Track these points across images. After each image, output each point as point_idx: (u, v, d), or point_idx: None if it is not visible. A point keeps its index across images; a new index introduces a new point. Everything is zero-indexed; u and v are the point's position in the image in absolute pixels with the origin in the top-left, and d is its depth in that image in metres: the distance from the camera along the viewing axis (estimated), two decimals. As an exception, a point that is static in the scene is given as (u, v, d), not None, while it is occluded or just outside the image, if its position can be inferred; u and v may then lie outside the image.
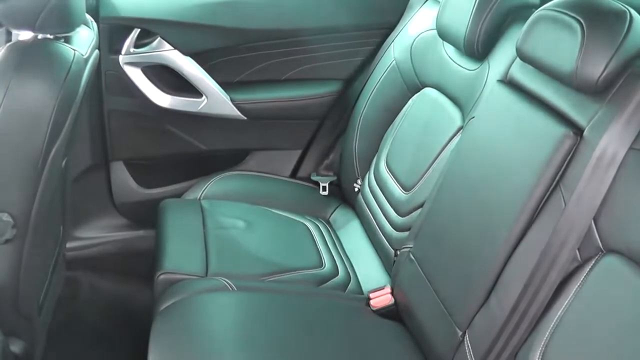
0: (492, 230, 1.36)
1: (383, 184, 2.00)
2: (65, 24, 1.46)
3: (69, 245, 2.18)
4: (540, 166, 1.27)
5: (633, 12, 1.26)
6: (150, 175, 2.38)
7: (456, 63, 1.84)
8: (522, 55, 1.45)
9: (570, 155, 1.24)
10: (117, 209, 2.37)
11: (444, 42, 1.91)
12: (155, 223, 2.05)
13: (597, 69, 1.21)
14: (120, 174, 2.33)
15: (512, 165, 1.37)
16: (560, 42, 1.29)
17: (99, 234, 2.35)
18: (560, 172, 1.25)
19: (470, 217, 1.45)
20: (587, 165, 1.18)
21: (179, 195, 2.28)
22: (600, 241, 1.15)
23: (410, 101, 2.04)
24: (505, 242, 1.30)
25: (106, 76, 2.17)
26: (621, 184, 1.14)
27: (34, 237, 1.42)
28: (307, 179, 2.43)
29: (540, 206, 1.27)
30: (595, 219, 1.16)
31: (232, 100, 2.25)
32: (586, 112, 1.25)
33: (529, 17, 1.43)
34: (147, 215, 2.19)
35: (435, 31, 1.92)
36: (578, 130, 1.25)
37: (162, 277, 1.73)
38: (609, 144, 1.16)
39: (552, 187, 1.26)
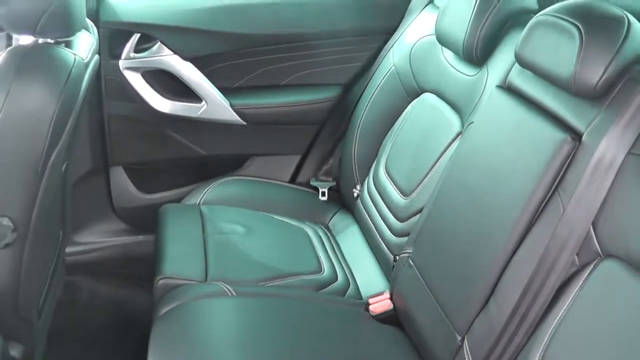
0: (491, 235, 1.36)
1: (382, 189, 2.00)
2: (66, 29, 1.46)
3: (68, 249, 2.18)
4: (539, 171, 1.27)
5: (631, 17, 1.26)
6: (149, 180, 2.38)
7: (455, 68, 1.84)
8: (520, 61, 1.46)
9: (568, 160, 1.24)
10: (117, 214, 2.37)
11: (443, 47, 1.92)
12: (154, 228, 2.05)
13: (595, 74, 1.22)
14: (120, 179, 2.33)
15: (511, 170, 1.37)
16: (558, 48, 1.30)
17: (98, 238, 2.35)
18: (559, 177, 1.25)
19: (469, 222, 1.45)
20: (585, 170, 1.18)
21: (178, 200, 2.28)
22: (599, 246, 1.15)
23: (409, 106, 2.05)
24: (504, 247, 1.30)
25: (106, 81, 2.17)
26: (620, 188, 1.14)
27: (34, 241, 1.42)
28: (307, 184, 2.43)
29: (539, 211, 1.27)
30: (593, 224, 1.16)
31: (231, 106, 2.26)
32: (585, 117, 1.25)
33: (527, 22, 1.44)
34: (147, 220, 2.19)
35: (434, 36, 1.93)
36: (576, 135, 1.25)
37: (161, 282, 1.73)
38: (607, 148, 1.16)
39: (550, 192, 1.26)
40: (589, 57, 1.22)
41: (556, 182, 1.25)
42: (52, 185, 1.46)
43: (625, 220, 1.12)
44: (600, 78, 1.21)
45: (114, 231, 2.37)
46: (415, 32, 2.14)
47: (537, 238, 1.25)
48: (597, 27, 1.25)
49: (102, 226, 2.36)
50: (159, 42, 2.18)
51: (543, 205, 1.26)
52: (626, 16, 1.26)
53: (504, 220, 1.33)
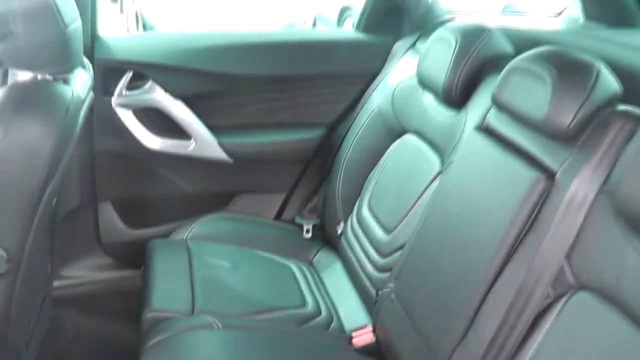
0: (470, 269, 1.40)
1: (365, 225, 2.03)
2: (64, 65, 1.48)
3: (55, 284, 2.17)
4: (515, 208, 1.32)
5: (601, 64, 1.33)
6: (137, 215, 2.38)
7: (435, 110, 1.88)
8: (497, 104, 1.51)
9: (543, 198, 1.29)
10: (104, 249, 2.36)
11: (424, 89, 1.96)
12: (142, 263, 2.06)
13: (567, 117, 1.27)
14: (108, 214, 2.33)
15: (489, 207, 1.42)
16: (533, 92, 1.35)
17: (85, 273, 2.33)
18: (534, 214, 1.30)
19: (449, 257, 1.49)
20: (559, 208, 1.23)
21: (166, 235, 2.29)
22: (573, 278, 1.20)
23: (392, 146, 2.08)
24: (483, 280, 1.34)
25: (98, 117, 2.17)
26: (591, 224, 1.19)
27: (26, 273, 1.42)
28: (292, 221, 2.45)
29: (516, 246, 1.31)
30: (567, 258, 1.21)
31: (219, 143, 2.29)
32: (558, 157, 1.31)
33: (504, 67, 1.49)
34: (134, 256, 2.19)
35: (415, 79, 1.98)
36: (550, 175, 1.30)
37: (148, 315, 1.75)
38: (579, 187, 1.22)
39: (526, 228, 1.30)
40: (560, 101, 1.28)
41: (531, 219, 1.30)
42: (45, 218, 1.47)
43: (597, 254, 1.16)
44: (572, 121, 1.27)
45: (101, 266, 2.36)
46: (397, 75, 2.20)
47: (513, 271, 1.29)
48: (568, 73, 1.31)
49: (89, 261, 2.35)
50: (151, 80, 2.21)
51: (519, 240, 1.31)
52: (596, 63, 1.32)
53: (482, 254, 1.37)
